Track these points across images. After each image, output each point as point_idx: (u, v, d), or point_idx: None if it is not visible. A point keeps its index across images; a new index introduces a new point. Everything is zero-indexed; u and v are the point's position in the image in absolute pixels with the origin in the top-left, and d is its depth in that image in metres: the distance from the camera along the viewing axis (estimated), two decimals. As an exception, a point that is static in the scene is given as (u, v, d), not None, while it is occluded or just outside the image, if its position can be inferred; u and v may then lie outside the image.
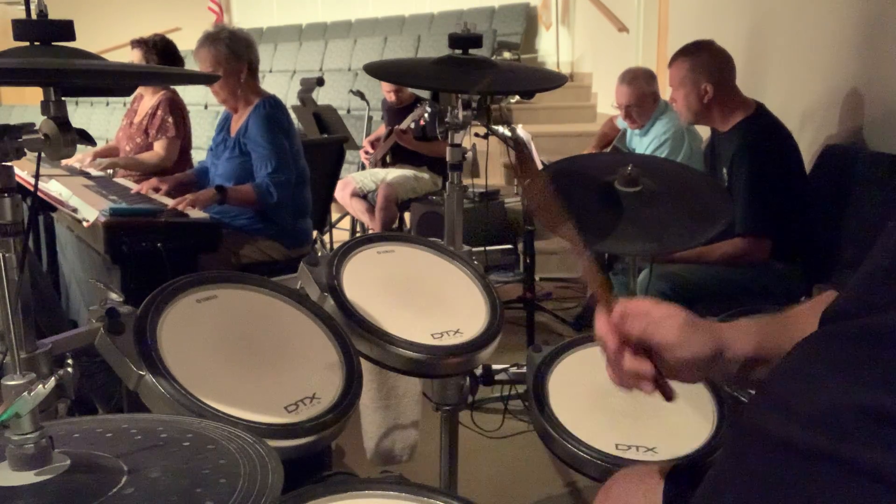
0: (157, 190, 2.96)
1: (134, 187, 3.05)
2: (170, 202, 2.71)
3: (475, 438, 2.21)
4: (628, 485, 1.01)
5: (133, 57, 3.64)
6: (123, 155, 3.71)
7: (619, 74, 3.45)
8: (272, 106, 2.83)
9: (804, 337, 0.76)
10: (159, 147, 3.62)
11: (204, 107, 7.61)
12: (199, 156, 3.82)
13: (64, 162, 3.50)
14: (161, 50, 3.63)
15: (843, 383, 0.66)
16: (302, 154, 2.94)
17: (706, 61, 2.56)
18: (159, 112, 3.63)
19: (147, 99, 3.75)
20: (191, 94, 7.82)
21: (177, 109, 3.65)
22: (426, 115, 4.37)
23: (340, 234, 4.85)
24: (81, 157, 3.70)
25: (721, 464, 0.78)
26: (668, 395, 0.91)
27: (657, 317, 0.88)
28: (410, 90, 4.63)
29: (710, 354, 0.87)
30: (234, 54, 2.82)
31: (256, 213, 2.81)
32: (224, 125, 2.98)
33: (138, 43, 3.66)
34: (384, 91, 4.78)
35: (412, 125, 4.47)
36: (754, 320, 0.93)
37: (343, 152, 4.04)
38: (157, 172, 3.54)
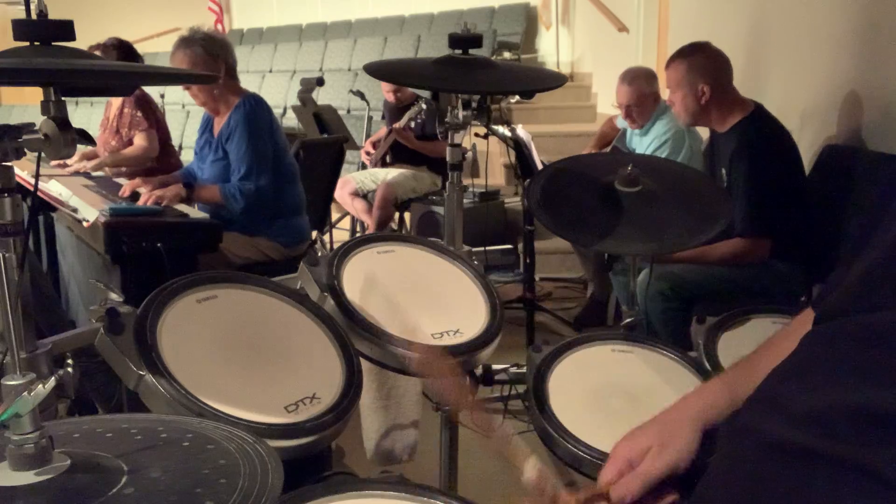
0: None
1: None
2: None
3: (475, 438, 2.20)
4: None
5: None
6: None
7: (619, 74, 3.45)
8: (252, 105, 2.80)
9: (801, 336, 0.76)
10: (140, 139, 3.65)
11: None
12: (190, 156, 3.85)
13: (53, 162, 3.51)
14: (120, 50, 3.65)
15: (836, 383, 0.66)
16: (287, 151, 2.92)
17: (703, 62, 2.56)
18: (126, 110, 3.68)
19: (114, 102, 3.80)
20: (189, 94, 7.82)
21: (143, 104, 3.70)
22: (422, 113, 4.37)
23: (340, 234, 4.84)
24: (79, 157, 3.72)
25: (717, 464, 0.78)
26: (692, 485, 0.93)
27: (639, 460, 0.91)
28: (411, 90, 4.62)
29: (698, 443, 0.91)
30: (210, 55, 2.80)
31: (254, 213, 2.80)
32: (206, 126, 2.97)
33: (96, 47, 3.69)
34: (384, 91, 4.78)
35: (412, 124, 4.47)
36: (721, 380, 0.97)
37: (343, 152, 4.04)
38: (146, 165, 3.57)
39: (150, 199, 2.67)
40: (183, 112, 7.26)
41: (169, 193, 2.71)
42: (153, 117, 3.69)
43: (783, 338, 0.92)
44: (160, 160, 3.68)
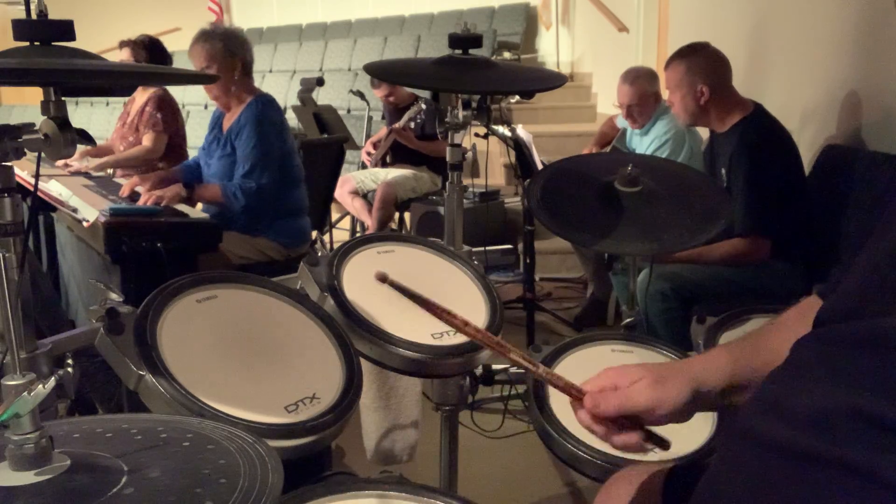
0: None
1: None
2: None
3: (475, 438, 2.21)
4: (628, 485, 1.01)
5: (122, 57, 3.68)
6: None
7: (619, 74, 3.45)
8: (264, 104, 2.80)
9: (796, 340, 0.76)
10: (147, 140, 3.67)
11: (204, 107, 7.60)
12: (192, 155, 3.85)
13: (59, 162, 3.52)
14: (150, 48, 3.66)
15: (836, 386, 0.66)
16: (295, 153, 2.92)
17: (702, 63, 2.56)
18: (148, 108, 3.68)
19: (138, 98, 3.79)
20: (191, 95, 7.82)
21: (166, 106, 3.69)
22: (421, 112, 4.38)
23: (340, 234, 4.84)
24: (79, 155, 3.72)
25: (716, 466, 0.78)
26: (664, 447, 0.92)
27: (625, 386, 0.90)
28: (406, 92, 4.63)
29: (688, 399, 0.88)
30: (229, 51, 2.80)
31: (254, 213, 2.80)
32: (216, 123, 2.97)
33: (126, 43, 3.71)
34: (378, 96, 4.77)
35: (411, 124, 4.48)
36: (726, 348, 0.95)
37: (343, 152, 4.04)
38: (146, 166, 3.58)
39: (150, 199, 2.67)
40: (183, 112, 7.27)
41: (169, 193, 2.71)
42: (171, 121, 3.69)
43: (792, 318, 0.91)
44: (169, 164, 3.68)
